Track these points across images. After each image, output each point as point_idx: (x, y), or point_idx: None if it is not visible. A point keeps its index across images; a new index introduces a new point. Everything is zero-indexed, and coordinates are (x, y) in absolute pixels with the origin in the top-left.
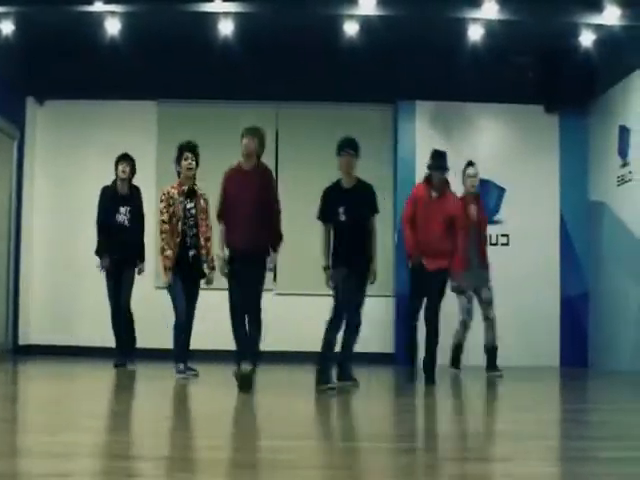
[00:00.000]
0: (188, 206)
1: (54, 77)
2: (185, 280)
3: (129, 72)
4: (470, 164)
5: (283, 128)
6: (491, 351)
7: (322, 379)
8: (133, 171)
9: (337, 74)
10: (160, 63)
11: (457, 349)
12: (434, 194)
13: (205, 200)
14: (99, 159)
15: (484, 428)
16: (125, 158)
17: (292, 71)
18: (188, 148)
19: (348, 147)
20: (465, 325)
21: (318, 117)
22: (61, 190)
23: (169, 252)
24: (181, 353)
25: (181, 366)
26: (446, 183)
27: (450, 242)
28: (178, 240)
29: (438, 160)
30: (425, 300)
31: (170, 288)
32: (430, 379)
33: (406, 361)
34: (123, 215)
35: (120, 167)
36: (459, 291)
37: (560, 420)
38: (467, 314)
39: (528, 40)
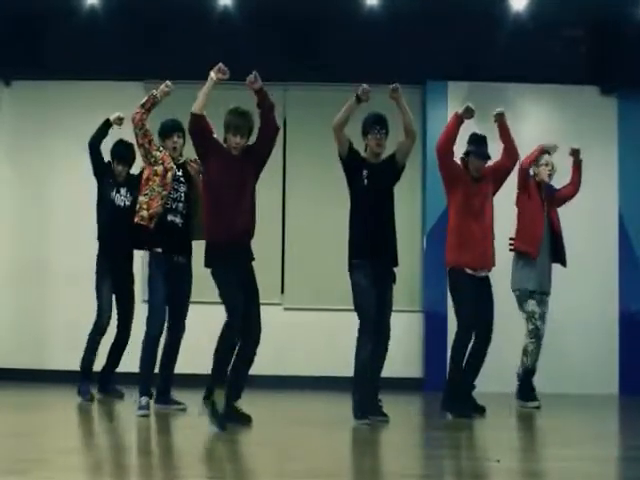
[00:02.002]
0: None
1: (22, 54)
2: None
3: (111, 48)
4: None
5: (292, 113)
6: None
7: (359, 412)
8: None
9: (355, 50)
10: (148, 38)
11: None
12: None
13: None
14: (72, 148)
15: (524, 467)
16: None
17: (302, 47)
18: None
19: (380, 126)
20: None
21: (332, 100)
22: (28, 183)
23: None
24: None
25: (144, 400)
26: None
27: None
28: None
29: (481, 146)
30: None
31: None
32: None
33: (439, 387)
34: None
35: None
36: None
37: (617, 458)
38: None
39: (581, 9)
